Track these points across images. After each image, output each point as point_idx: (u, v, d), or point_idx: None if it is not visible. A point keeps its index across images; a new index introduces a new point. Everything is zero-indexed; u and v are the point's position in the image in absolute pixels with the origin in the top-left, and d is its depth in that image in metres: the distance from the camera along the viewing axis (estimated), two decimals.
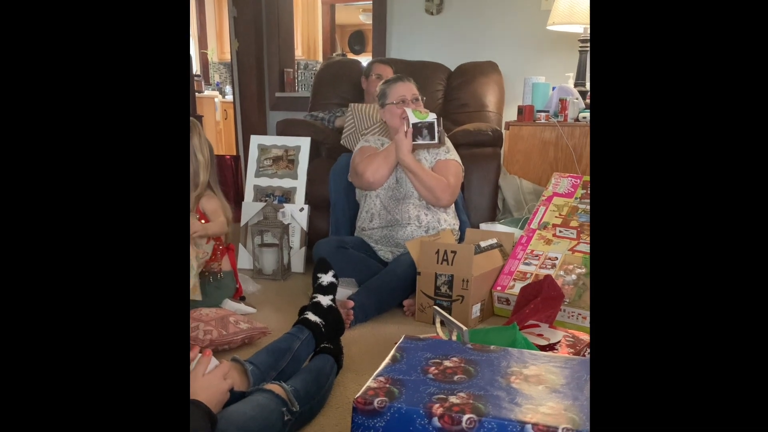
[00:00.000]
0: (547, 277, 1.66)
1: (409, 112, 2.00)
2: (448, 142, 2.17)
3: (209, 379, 1.03)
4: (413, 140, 1.98)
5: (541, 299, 1.55)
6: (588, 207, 1.99)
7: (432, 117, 1.98)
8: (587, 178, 2.06)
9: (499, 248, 1.98)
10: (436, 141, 1.98)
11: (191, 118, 1.85)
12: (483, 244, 1.91)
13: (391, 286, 1.91)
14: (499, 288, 1.88)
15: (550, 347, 1.41)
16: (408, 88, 2.13)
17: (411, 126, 1.98)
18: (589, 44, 2.62)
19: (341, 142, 2.56)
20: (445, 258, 1.81)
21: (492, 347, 1.02)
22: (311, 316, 1.44)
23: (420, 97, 2.14)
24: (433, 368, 0.94)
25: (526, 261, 1.92)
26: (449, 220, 2.13)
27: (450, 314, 1.77)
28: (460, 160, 2.14)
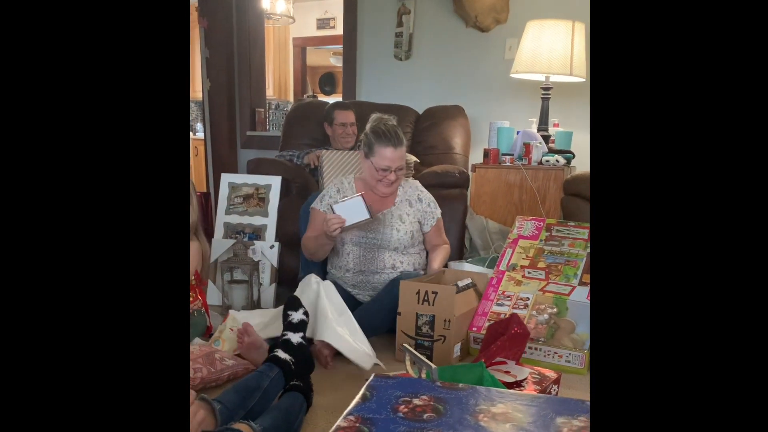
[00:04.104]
0: (514, 315, 1.70)
1: (339, 208, 1.91)
2: (426, 197, 2.15)
3: None
4: (349, 223, 1.91)
5: (507, 337, 1.58)
6: (553, 248, 2.06)
7: (357, 195, 1.93)
8: (550, 220, 2.14)
9: (474, 288, 2.00)
10: (369, 216, 1.92)
11: None
12: (460, 283, 1.91)
13: (380, 315, 1.91)
14: (474, 329, 1.91)
15: (517, 384, 1.44)
16: (397, 157, 1.99)
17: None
18: (549, 92, 2.75)
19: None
20: (426, 298, 1.81)
21: (461, 385, 1.04)
22: (281, 354, 1.45)
23: (407, 164, 2.07)
24: (403, 407, 0.96)
25: (499, 302, 1.96)
26: (422, 262, 2.15)
27: (431, 354, 1.79)
28: (437, 213, 2.16)
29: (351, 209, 1.90)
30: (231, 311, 1.80)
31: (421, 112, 3.06)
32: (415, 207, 2.11)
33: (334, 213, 1.92)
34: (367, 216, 1.91)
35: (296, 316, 1.57)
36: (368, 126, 2.10)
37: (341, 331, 1.68)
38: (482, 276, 2.06)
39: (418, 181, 2.22)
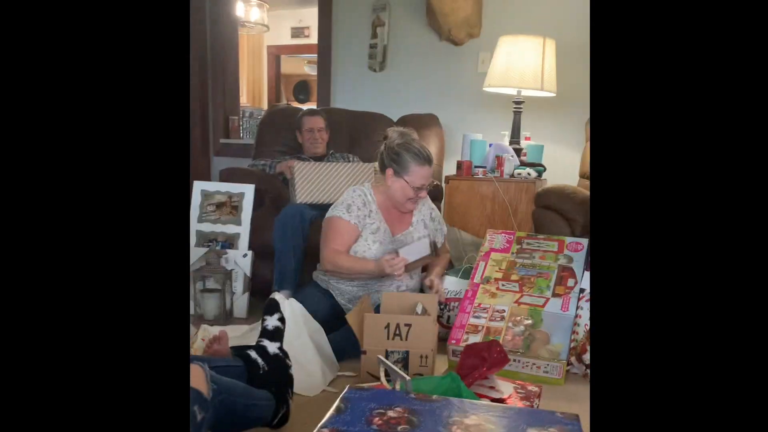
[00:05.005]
0: (494, 342, 1.61)
1: (405, 250, 1.93)
2: (436, 215, 2.18)
3: None
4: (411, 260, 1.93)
5: (486, 369, 1.49)
6: (525, 261, 2.09)
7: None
8: (520, 233, 2.18)
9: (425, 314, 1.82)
10: (431, 253, 2.02)
11: None
12: (419, 310, 1.81)
13: None
14: (453, 341, 1.90)
15: (502, 401, 1.42)
16: (430, 176, 2.01)
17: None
18: (521, 106, 2.80)
19: (298, 201, 2.46)
20: (397, 332, 1.61)
21: (434, 397, 1.06)
22: (252, 353, 1.39)
23: (433, 182, 2.08)
24: (377, 419, 0.97)
25: (476, 314, 1.96)
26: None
27: None
28: (444, 228, 2.20)
29: (415, 249, 1.97)
30: (203, 325, 1.77)
31: (395, 120, 3.07)
32: (429, 227, 2.11)
33: (398, 255, 1.89)
34: (428, 252, 2.01)
35: (271, 321, 1.49)
36: (395, 142, 2.01)
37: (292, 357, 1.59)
38: (432, 297, 1.90)
39: (429, 199, 2.18)
